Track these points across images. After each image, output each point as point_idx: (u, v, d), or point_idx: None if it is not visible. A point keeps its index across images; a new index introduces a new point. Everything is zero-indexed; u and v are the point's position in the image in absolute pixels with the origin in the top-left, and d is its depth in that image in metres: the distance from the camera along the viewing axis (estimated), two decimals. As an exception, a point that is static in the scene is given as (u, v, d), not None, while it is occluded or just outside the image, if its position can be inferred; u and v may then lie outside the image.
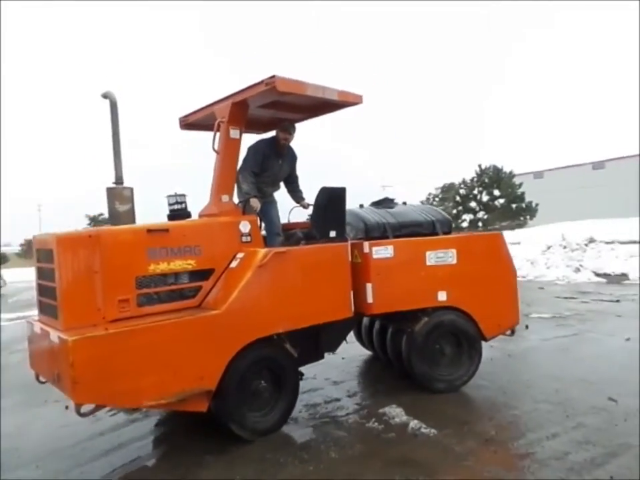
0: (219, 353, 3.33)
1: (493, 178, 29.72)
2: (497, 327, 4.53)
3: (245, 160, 4.27)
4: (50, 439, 3.95)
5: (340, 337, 4.12)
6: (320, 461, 3.22)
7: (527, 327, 6.37)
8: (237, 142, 3.90)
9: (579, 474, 2.86)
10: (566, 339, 6.00)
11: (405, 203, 4.84)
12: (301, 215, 4.74)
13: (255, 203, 3.96)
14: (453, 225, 5.27)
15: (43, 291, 3.45)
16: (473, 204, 29.06)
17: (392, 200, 4.79)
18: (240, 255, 3.63)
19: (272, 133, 4.56)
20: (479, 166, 30.69)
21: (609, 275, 11.42)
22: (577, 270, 12.17)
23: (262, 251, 3.56)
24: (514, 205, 28.59)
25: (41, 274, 3.46)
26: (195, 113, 4.31)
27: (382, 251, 4.00)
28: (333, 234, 3.92)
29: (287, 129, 4.36)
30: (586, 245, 13.71)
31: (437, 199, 39.95)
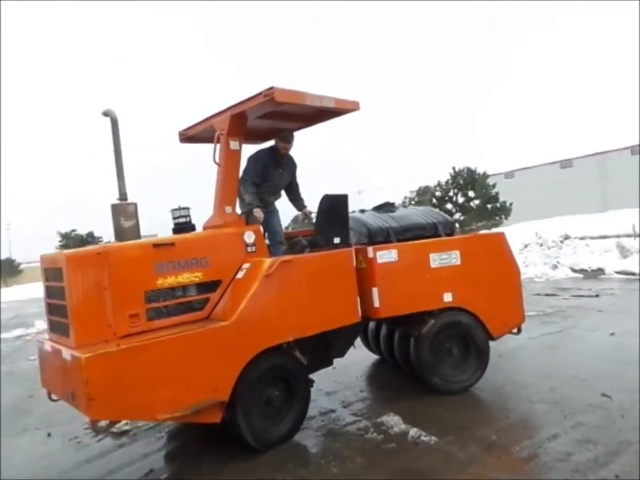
0: (231, 363, 3.37)
1: (467, 179, 30.26)
2: (503, 326, 4.57)
3: (245, 171, 4.31)
4: (32, 471, 3.75)
5: (348, 342, 4.17)
6: (321, 477, 3.16)
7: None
8: (237, 153, 3.95)
9: (584, 474, 2.87)
10: (552, 336, 6.06)
11: (405, 206, 4.94)
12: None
13: (258, 213, 4.01)
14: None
15: (52, 309, 3.46)
16: (449, 206, 29.52)
17: (393, 204, 4.83)
18: (246, 266, 3.67)
19: (270, 143, 4.61)
20: (453, 168, 31.25)
21: (586, 270, 11.70)
22: (554, 267, 12.50)
23: (268, 261, 3.60)
24: (489, 205, 29.19)
25: (50, 292, 3.47)
26: (194, 126, 4.35)
27: (386, 255, 4.05)
28: (337, 240, 3.97)
29: (287, 138, 4.41)
30: (561, 241, 14.12)
31: (412, 202, 40.47)
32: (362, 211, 4.69)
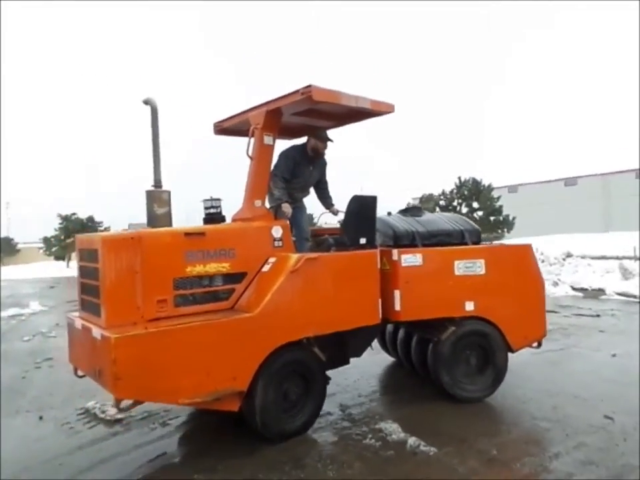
0: (252, 354, 3.43)
1: (472, 190, 30.34)
2: (523, 339, 4.57)
3: (276, 166, 4.35)
4: (24, 454, 3.68)
5: (366, 342, 4.22)
6: None
7: None
8: (271, 148, 4.01)
9: (587, 496, 2.87)
10: (554, 353, 6.04)
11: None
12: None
13: (287, 208, 4.06)
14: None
15: (85, 288, 3.52)
16: (452, 215, 29.62)
17: (420, 208, 4.86)
18: (272, 260, 3.73)
19: (303, 140, 4.64)
20: (459, 178, 31.30)
21: (586, 289, 11.85)
22: (555, 284, 12.60)
23: (294, 256, 3.65)
24: (492, 218, 29.29)
25: (84, 272, 3.54)
26: (229, 118, 4.40)
27: (411, 259, 4.07)
28: (363, 241, 4.01)
29: (326, 139, 4.44)
30: (563, 259, 14.25)
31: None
32: (388, 214, 4.73)
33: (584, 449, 3.43)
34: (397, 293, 4.03)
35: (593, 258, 14.95)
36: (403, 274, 4.04)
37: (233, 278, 3.67)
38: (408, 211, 4.80)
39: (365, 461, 3.35)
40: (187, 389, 3.18)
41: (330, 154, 4.61)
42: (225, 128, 4.51)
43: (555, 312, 9.48)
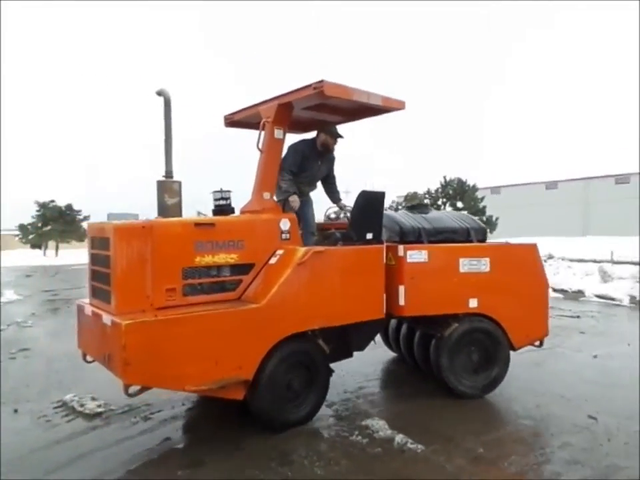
0: (257, 344, 3.49)
1: (457, 190, 30.70)
2: (525, 337, 4.62)
3: (284, 159, 4.35)
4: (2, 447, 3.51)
5: (369, 336, 4.28)
6: (305, 477, 3.10)
7: None
8: (281, 142, 4.04)
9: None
10: (537, 353, 6.05)
11: (438, 209, 5.07)
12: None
13: (295, 201, 4.10)
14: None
15: (95, 276, 3.54)
16: (436, 214, 29.91)
17: (426, 205, 4.89)
18: (279, 252, 3.78)
19: (312, 134, 4.67)
20: (444, 177, 31.61)
21: (567, 291, 12.21)
22: (537, 285, 12.93)
23: (302, 249, 3.71)
24: (475, 218, 29.67)
25: (95, 260, 3.55)
26: (240, 111, 4.41)
27: (416, 255, 4.12)
28: (369, 236, 4.06)
29: (337, 135, 4.46)
30: (545, 260, 14.59)
31: (400, 207, 40.85)
32: (395, 210, 4.79)
33: (569, 449, 3.49)
34: (401, 289, 4.09)
35: (572, 260, 15.31)
36: (408, 270, 4.10)
37: (240, 269, 3.71)
38: (415, 208, 4.84)
39: (352, 458, 3.35)
40: (193, 376, 3.24)
41: (337, 151, 4.65)
42: (235, 120, 4.53)
43: (538, 312, 9.74)
